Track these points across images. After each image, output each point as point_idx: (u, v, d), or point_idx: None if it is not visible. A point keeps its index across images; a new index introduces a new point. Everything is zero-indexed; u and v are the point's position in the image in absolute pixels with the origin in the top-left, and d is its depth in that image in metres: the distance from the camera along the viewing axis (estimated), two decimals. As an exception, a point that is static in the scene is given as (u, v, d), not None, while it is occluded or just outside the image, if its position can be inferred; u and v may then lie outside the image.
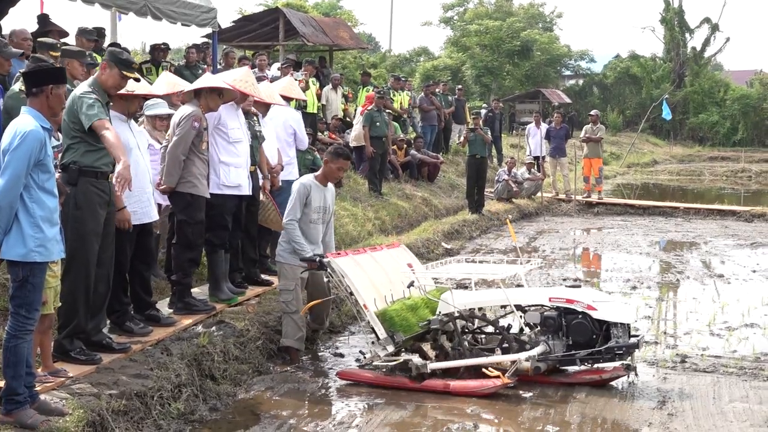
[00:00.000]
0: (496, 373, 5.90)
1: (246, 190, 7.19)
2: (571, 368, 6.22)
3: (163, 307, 6.72)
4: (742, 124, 40.94)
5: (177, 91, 7.24)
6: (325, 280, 6.65)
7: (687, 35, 44.66)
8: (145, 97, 6.47)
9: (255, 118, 7.61)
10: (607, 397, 5.86)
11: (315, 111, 14.77)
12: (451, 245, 12.37)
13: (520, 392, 5.96)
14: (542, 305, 6.23)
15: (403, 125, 17.51)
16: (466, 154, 15.77)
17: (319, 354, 7.09)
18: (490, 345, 6.38)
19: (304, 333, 6.78)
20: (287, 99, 8.53)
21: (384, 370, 6.20)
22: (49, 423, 4.43)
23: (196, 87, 6.81)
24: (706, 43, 44.54)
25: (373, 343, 6.17)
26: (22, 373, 4.41)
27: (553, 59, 43.58)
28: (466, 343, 6.22)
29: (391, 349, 6.07)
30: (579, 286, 7.42)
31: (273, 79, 10.74)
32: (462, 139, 16.35)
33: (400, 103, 17.77)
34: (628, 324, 6.03)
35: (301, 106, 11.54)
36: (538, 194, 17.90)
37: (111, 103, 5.58)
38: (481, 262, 7.14)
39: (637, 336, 6.18)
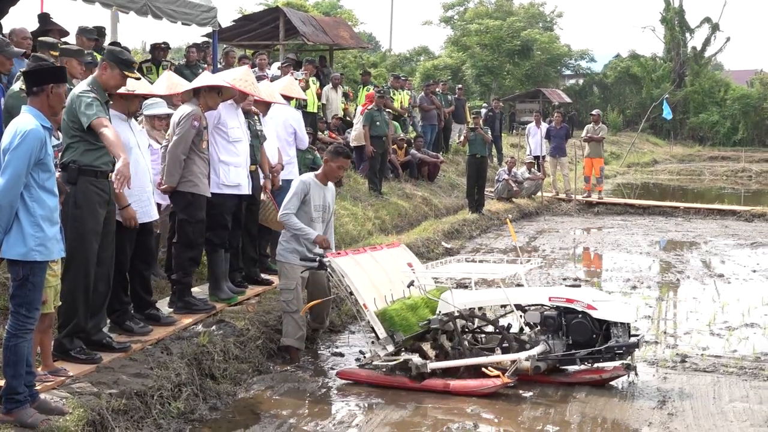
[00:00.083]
0: (496, 372, 5.90)
1: (246, 189, 7.19)
2: (571, 368, 6.22)
3: (163, 306, 6.73)
4: (743, 124, 40.96)
5: (178, 91, 7.24)
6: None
7: (687, 35, 44.70)
8: (145, 97, 6.47)
9: (256, 117, 7.61)
10: (607, 396, 5.86)
11: (315, 110, 14.77)
12: (451, 245, 12.37)
13: (520, 392, 5.96)
14: (542, 305, 6.23)
15: (404, 125, 17.52)
16: (466, 153, 15.77)
17: (319, 353, 7.09)
18: (490, 344, 6.38)
19: (305, 332, 6.78)
20: (287, 98, 8.52)
21: (384, 369, 6.21)
22: (49, 422, 4.43)
23: (195, 86, 6.81)
24: (707, 42, 44.60)
25: (373, 342, 6.17)
26: (22, 372, 4.41)
27: (554, 59, 43.60)
28: (466, 343, 6.22)
29: (391, 348, 6.08)
30: (579, 286, 7.42)
31: (273, 79, 10.73)
32: (462, 138, 16.35)
33: (401, 102, 17.77)
34: (628, 323, 6.03)
35: (301, 105, 11.53)
36: (538, 194, 17.91)
37: (110, 102, 5.59)
38: (481, 261, 7.14)
39: (637, 335, 6.18)
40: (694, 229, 15.05)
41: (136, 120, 6.31)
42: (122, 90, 5.67)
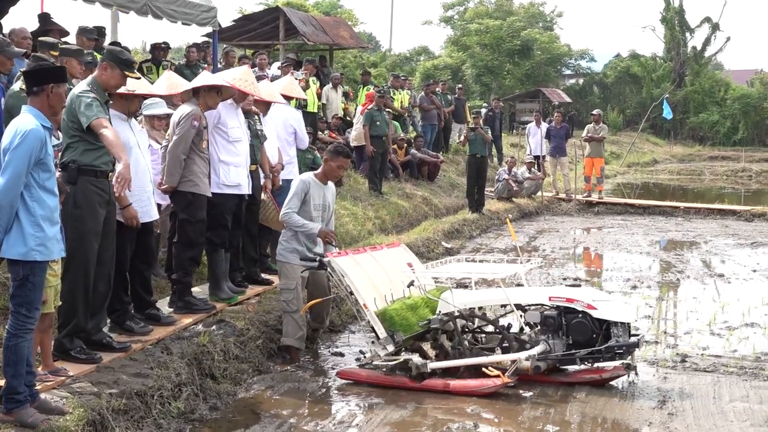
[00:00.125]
0: (496, 372, 5.90)
1: (246, 189, 7.20)
2: (571, 367, 6.22)
3: (164, 306, 6.73)
4: (743, 124, 40.97)
5: (178, 91, 7.24)
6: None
7: (687, 34, 44.71)
8: (145, 97, 6.47)
9: (256, 117, 7.61)
10: (608, 396, 5.86)
11: (315, 110, 14.77)
12: (451, 244, 12.37)
13: (520, 392, 5.96)
14: (542, 304, 6.23)
15: (404, 124, 17.52)
16: (466, 153, 15.77)
17: (320, 353, 7.09)
18: (490, 344, 6.38)
19: (305, 332, 6.78)
20: (288, 98, 8.52)
21: (384, 369, 6.21)
22: (49, 422, 4.43)
23: (195, 86, 6.82)
24: (707, 42, 44.62)
25: (373, 342, 6.17)
26: (23, 371, 4.42)
27: (554, 58, 43.62)
28: (466, 343, 6.22)
29: (391, 348, 6.08)
30: (579, 286, 7.43)
31: (273, 79, 10.73)
32: (462, 138, 16.35)
33: (401, 101, 17.78)
34: (628, 323, 6.03)
35: (301, 105, 11.53)
36: (539, 193, 17.91)
37: (110, 102, 5.59)
38: (481, 261, 7.14)
39: (637, 335, 6.18)
40: (694, 228, 15.05)
41: (136, 120, 6.31)
42: (122, 90, 5.67)
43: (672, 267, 11.14)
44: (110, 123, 5.38)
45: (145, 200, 6.03)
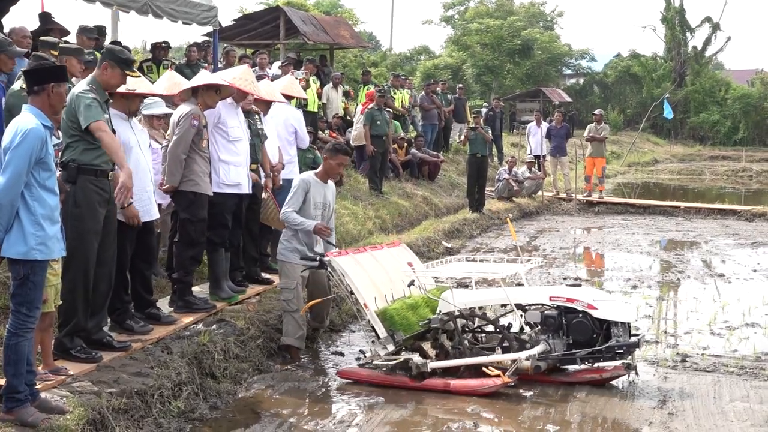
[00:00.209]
0: (497, 372, 5.90)
1: (246, 188, 7.20)
2: (572, 367, 6.22)
3: (164, 305, 6.73)
4: (743, 124, 40.96)
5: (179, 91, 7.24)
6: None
7: (688, 34, 44.69)
8: (146, 96, 6.46)
9: (257, 116, 7.61)
10: (608, 396, 5.86)
11: (315, 109, 14.77)
12: (451, 244, 12.37)
13: (521, 391, 5.96)
14: (543, 304, 6.22)
15: (404, 124, 17.52)
16: (466, 152, 15.77)
17: (320, 353, 7.09)
18: (490, 344, 6.38)
19: (305, 332, 6.78)
20: (288, 97, 8.52)
21: (384, 369, 6.21)
22: (49, 421, 4.44)
23: (193, 85, 6.82)
24: (707, 42, 44.59)
25: (373, 342, 6.17)
26: (23, 371, 4.42)
27: (554, 58, 43.62)
28: (466, 342, 6.22)
29: (391, 348, 6.08)
30: (579, 285, 7.43)
31: (274, 78, 10.72)
32: (463, 137, 16.34)
33: (401, 101, 17.78)
34: (628, 323, 6.03)
35: (301, 104, 11.53)
36: (539, 193, 17.91)
37: (111, 101, 5.59)
38: (481, 261, 7.14)
39: (637, 335, 6.18)
40: (694, 228, 15.05)
41: (136, 116, 6.30)
42: (123, 89, 5.67)
43: (672, 267, 11.14)
44: (110, 122, 5.39)
45: (146, 199, 6.03)
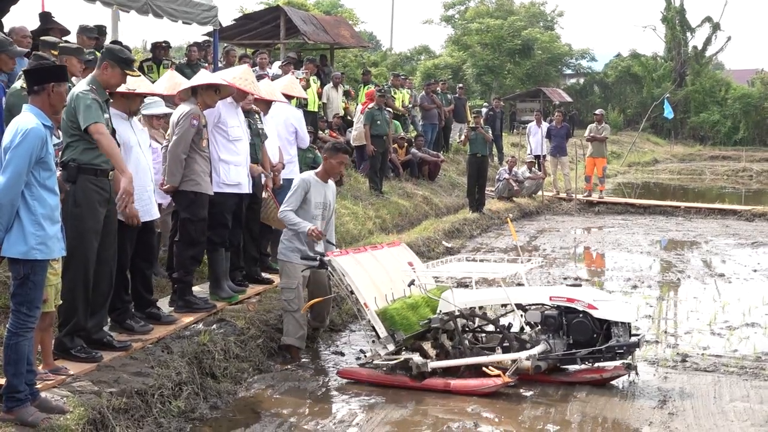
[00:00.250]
0: (497, 372, 5.90)
1: (246, 188, 7.20)
2: (572, 367, 6.22)
3: (164, 305, 6.73)
4: (743, 124, 40.96)
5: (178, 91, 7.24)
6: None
7: (688, 34, 44.70)
8: (147, 96, 6.46)
9: (257, 115, 7.61)
10: (608, 396, 5.86)
11: (316, 109, 14.77)
12: (451, 244, 12.37)
13: (521, 391, 5.96)
14: (543, 304, 6.22)
15: (404, 124, 17.52)
16: (467, 152, 15.76)
17: (320, 352, 7.09)
18: (490, 344, 6.38)
19: (306, 331, 6.78)
20: (288, 97, 8.52)
21: (384, 368, 6.21)
22: (49, 420, 4.44)
23: (192, 84, 6.82)
24: (708, 42, 44.60)
25: (373, 341, 6.17)
26: (23, 370, 4.42)
27: (554, 58, 43.62)
28: (466, 342, 6.22)
29: (391, 347, 6.08)
30: (580, 285, 7.43)
31: (274, 78, 10.73)
32: (463, 137, 16.33)
33: (402, 100, 17.78)
34: (628, 323, 6.03)
35: (302, 104, 11.53)
36: (539, 193, 17.91)
37: (111, 101, 5.59)
38: (481, 260, 7.14)
39: (637, 335, 6.18)
40: (694, 228, 15.05)
41: (136, 115, 6.30)
42: (123, 89, 5.67)
43: (672, 267, 11.14)
44: (111, 122, 5.39)
45: (146, 199, 6.03)
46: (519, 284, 7.48)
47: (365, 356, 6.46)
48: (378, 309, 6.14)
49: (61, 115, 5.15)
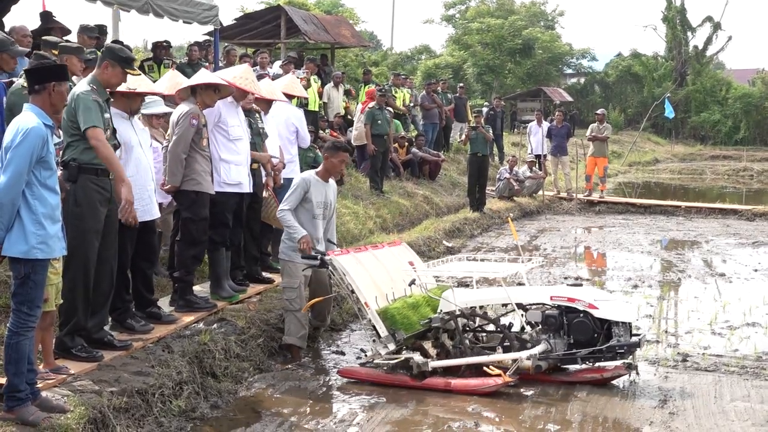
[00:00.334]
0: (498, 371, 5.90)
1: (247, 187, 7.20)
2: (573, 367, 6.22)
3: (165, 304, 6.73)
4: (744, 123, 40.97)
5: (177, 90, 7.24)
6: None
7: (689, 34, 44.71)
8: (147, 95, 6.46)
9: (257, 115, 7.61)
10: (609, 395, 5.86)
11: (316, 109, 14.77)
12: (452, 243, 12.37)
13: (522, 391, 5.96)
14: (544, 304, 6.22)
15: (405, 123, 17.52)
16: (467, 152, 15.77)
17: (321, 352, 7.09)
18: (491, 343, 6.38)
19: (307, 331, 6.78)
20: (289, 96, 8.52)
21: (385, 368, 6.21)
22: (50, 420, 4.44)
23: (192, 84, 6.82)
24: (708, 41, 44.63)
25: (374, 341, 6.17)
26: (24, 370, 4.42)
27: (555, 57, 43.60)
28: (467, 342, 6.22)
29: (392, 347, 6.08)
30: (580, 285, 7.43)
31: (275, 77, 10.73)
32: (463, 137, 16.32)
33: (402, 100, 17.78)
34: (629, 323, 6.03)
35: (302, 103, 11.53)
36: (540, 193, 17.90)
37: (111, 100, 5.59)
38: (482, 260, 7.14)
39: (638, 335, 6.18)
40: (695, 228, 15.05)
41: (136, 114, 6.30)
42: (124, 88, 5.67)
43: (673, 266, 11.13)
44: (111, 121, 5.39)
45: (147, 199, 6.03)
46: (520, 284, 7.48)
47: (366, 355, 6.46)
48: (379, 308, 6.14)
49: (62, 115, 5.15)
